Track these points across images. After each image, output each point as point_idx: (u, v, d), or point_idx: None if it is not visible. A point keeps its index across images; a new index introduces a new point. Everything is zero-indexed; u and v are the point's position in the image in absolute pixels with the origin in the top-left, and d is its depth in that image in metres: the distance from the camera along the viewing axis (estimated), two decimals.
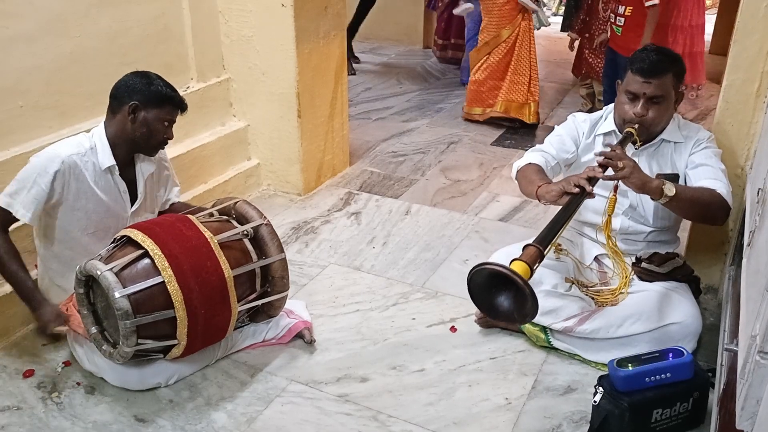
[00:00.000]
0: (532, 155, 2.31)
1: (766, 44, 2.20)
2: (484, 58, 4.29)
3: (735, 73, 2.29)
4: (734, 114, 2.33)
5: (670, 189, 1.97)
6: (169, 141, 2.23)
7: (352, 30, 5.39)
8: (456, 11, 4.91)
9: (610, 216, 2.14)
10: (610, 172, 1.97)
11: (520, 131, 4.36)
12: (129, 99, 2.12)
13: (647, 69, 2.08)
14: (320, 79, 3.32)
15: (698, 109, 4.39)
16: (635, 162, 1.99)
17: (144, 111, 2.12)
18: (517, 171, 2.31)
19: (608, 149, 2.04)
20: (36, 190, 2.05)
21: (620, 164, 1.95)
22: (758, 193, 1.67)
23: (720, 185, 2.09)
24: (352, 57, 5.51)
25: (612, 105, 2.28)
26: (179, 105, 2.21)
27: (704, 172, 2.14)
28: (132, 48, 2.78)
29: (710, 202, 2.06)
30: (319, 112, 3.38)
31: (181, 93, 3.11)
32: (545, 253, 1.73)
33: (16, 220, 2.09)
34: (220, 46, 3.22)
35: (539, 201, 2.08)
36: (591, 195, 1.94)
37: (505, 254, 2.30)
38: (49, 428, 1.97)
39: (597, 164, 1.99)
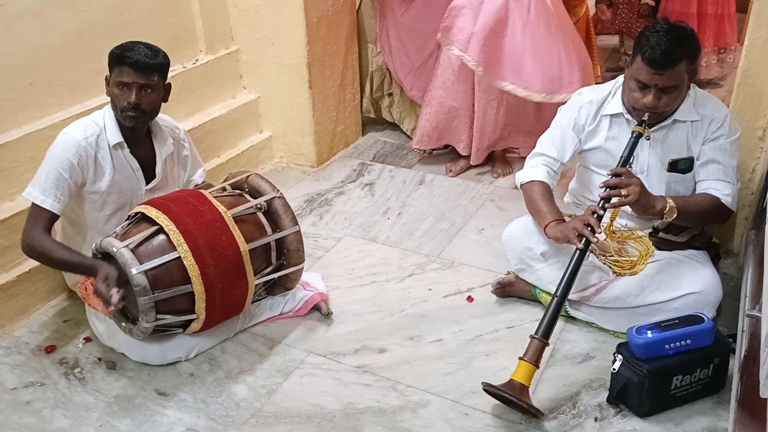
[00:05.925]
0: (535, 168, 2.25)
1: None
2: None
3: (757, 31, 2.21)
4: (757, 74, 2.26)
5: (671, 213, 1.99)
6: (134, 106, 2.03)
7: None
8: None
9: (612, 221, 2.09)
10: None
11: None
12: None
13: (659, 61, 1.91)
14: (330, 48, 3.27)
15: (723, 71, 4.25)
16: (641, 183, 1.96)
17: (110, 79, 2.08)
18: (521, 186, 2.27)
19: (611, 177, 1.97)
20: (59, 180, 2.03)
21: (625, 191, 1.93)
22: None
23: (727, 188, 2.08)
24: None
25: (621, 78, 2.16)
26: (121, 60, 2.00)
27: (713, 171, 2.10)
28: (139, 21, 2.75)
29: (711, 214, 2.10)
30: (330, 83, 3.33)
31: (190, 66, 3.06)
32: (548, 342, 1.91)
33: (55, 216, 2.05)
34: (228, 16, 3.17)
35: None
36: (597, 241, 1.98)
37: (521, 226, 2.28)
38: (73, 403, 2.00)
39: (599, 197, 2.00)
